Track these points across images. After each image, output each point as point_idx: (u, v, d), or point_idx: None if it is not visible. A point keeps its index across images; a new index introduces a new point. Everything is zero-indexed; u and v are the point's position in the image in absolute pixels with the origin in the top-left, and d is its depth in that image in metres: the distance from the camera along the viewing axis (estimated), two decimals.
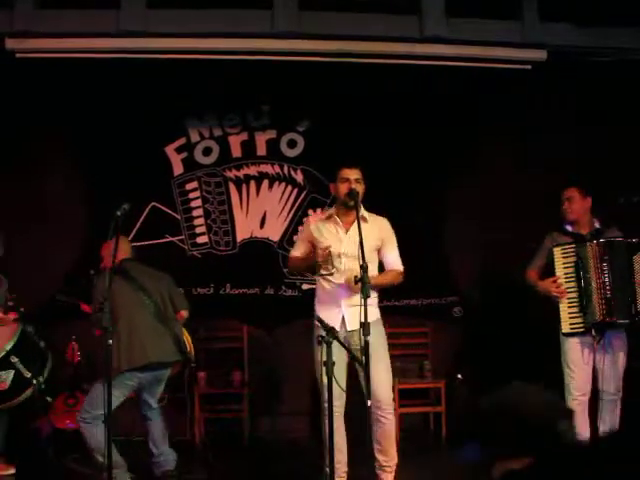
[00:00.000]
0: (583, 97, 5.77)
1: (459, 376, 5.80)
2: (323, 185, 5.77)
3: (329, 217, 4.08)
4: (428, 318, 6.02)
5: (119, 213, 3.85)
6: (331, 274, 3.94)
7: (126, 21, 4.86)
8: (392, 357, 4.05)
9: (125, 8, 4.87)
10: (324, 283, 4.01)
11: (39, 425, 5.24)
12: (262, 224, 6.01)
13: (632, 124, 5.60)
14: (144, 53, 5.01)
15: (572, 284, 4.22)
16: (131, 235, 5.61)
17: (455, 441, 5.29)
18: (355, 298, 3.76)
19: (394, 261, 4.08)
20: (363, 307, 3.44)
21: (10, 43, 4.87)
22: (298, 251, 4.18)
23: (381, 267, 4.13)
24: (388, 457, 3.94)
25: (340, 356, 3.57)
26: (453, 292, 6.07)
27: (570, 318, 4.22)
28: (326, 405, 3.41)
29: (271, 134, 6.03)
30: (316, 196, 5.99)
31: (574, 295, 4.21)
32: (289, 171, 6.04)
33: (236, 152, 6.02)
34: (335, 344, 3.28)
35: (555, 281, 4.24)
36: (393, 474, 3.97)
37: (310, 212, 5.92)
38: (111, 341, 3.74)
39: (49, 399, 4.95)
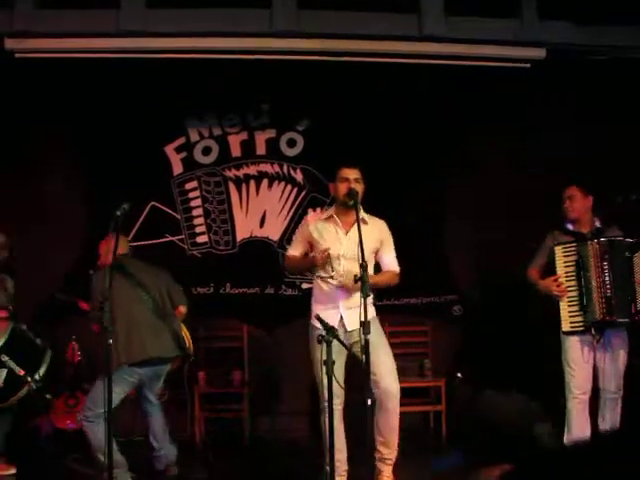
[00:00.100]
0: (582, 96, 5.77)
1: (459, 375, 5.81)
2: (323, 184, 5.77)
3: (329, 217, 4.07)
4: (428, 317, 6.02)
5: (119, 213, 3.86)
6: (331, 277, 3.94)
7: (126, 21, 4.87)
8: (392, 356, 4.06)
9: (125, 8, 4.87)
10: (322, 284, 4.01)
11: (40, 425, 5.25)
12: (262, 223, 6.01)
13: (632, 123, 5.60)
14: (144, 53, 5.01)
15: (573, 283, 4.22)
16: (131, 235, 5.62)
17: (455, 440, 5.29)
18: (353, 299, 3.77)
19: (391, 262, 4.09)
20: (363, 306, 3.43)
21: (10, 43, 4.88)
22: (296, 250, 4.17)
23: (377, 268, 4.13)
24: (390, 449, 3.96)
25: (338, 354, 3.57)
26: (453, 291, 6.07)
27: (570, 317, 4.22)
28: (326, 404, 3.41)
29: (271, 133, 6.03)
30: (316, 195, 5.99)
31: (574, 294, 4.21)
32: (289, 170, 6.04)
33: (236, 151, 6.02)
34: (333, 342, 3.28)
35: (556, 280, 4.25)
36: (392, 467, 3.99)
37: (310, 211, 5.92)
38: (111, 340, 3.75)
39: (49, 396, 4.93)
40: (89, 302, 4.41)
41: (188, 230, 5.96)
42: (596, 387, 4.25)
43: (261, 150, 6.04)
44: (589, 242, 4.20)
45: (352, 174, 3.98)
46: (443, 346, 5.93)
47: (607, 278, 4.13)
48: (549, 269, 4.34)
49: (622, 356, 4.23)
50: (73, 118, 5.69)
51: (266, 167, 6.04)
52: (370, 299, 3.93)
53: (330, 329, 3.36)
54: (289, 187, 6.04)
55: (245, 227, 6.00)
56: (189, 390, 5.33)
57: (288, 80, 5.54)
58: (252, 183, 6.02)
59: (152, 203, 5.88)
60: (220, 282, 5.91)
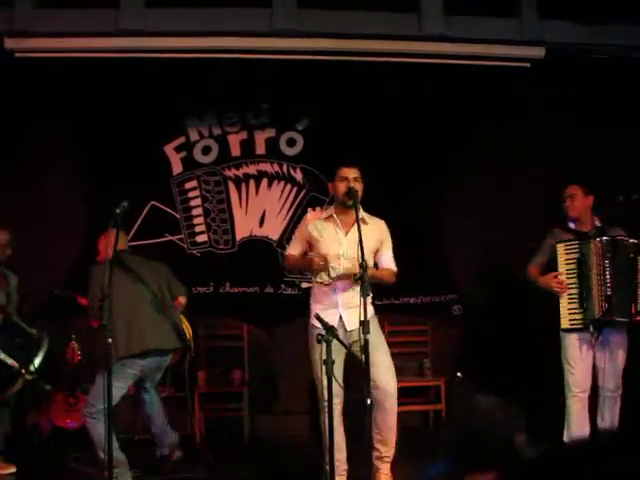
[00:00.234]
0: (583, 96, 5.76)
1: (458, 374, 5.81)
2: (322, 184, 5.77)
3: (328, 217, 4.05)
4: (428, 316, 6.02)
5: (118, 211, 3.86)
6: (329, 284, 3.93)
7: (125, 20, 4.88)
8: (392, 355, 4.06)
9: (124, 7, 4.89)
10: (321, 285, 4.00)
11: (39, 424, 5.25)
12: (261, 223, 6.01)
13: (632, 123, 5.60)
14: (143, 52, 5.02)
15: (573, 280, 4.22)
16: (131, 234, 5.62)
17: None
18: (353, 299, 3.76)
19: (389, 262, 4.09)
20: (362, 306, 3.43)
21: (9, 43, 4.89)
22: (295, 250, 4.16)
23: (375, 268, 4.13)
24: (388, 447, 3.96)
25: (337, 353, 3.57)
26: (452, 290, 6.07)
27: (569, 314, 4.22)
28: (325, 403, 3.41)
29: (270, 133, 6.03)
30: (315, 195, 5.99)
31: (575, 291, 4.21)
32: (288, 170, 6.04)
33: (235, 151, 6.02)
34: (332, 342, 3.29)
35: (557, 276, 4.25)
36: (389, 465, 3.99)
37: (309, 210, 5.92)
38: (110, 340, 3.74)
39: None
40: (87, 296, 4.39)
41: (188, 229, 5.96)
42: (595, 386, 4.26)
43: (261, 149, 6.04)
44: (591, 240, 4.20)
45: (351, 173, 3.97)
46: (443, 346, 5.93)
47: (608, 277, 4.13)
48: (549, 267, 4.34)
49: (621, 355, 4.23)
50: (73, 118, 5.69)
51: (266, 166, 6.04)
52: (369, 298, 3.93)
53: (330, 328, 3.36)
54: (289, 186, 6.04)
55: (245, 226, 6.00)
56: (189, 389, 5.33)
57: (288, 79, 5.54)
58: (252, 182, 6.02)
59: (152, 202, 5.88)
60: (220, 281, 5.91)
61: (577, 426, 4.17)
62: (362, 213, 3.93)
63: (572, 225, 4.38)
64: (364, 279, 3.49)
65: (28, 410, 5.15)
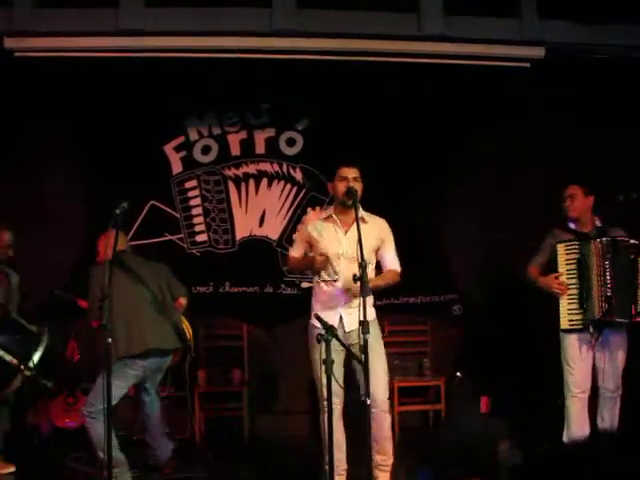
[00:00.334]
0: (583, 96, 5.76)
1: (458, 374, 5.81)
2: (322, 183, 5.77)
3: (328, 217, 4.05)
4: (428, 316, 6.02)
5: (118, 212, 3.86)
6: (335, 280, 3.93)
7: (125, 20, 4.88)
8: (391, 355, 4.06)
9: (123, 7, 4.89)
10: (322, 284, 4.00)
11: (39, 424, 5.25)
12: (261, 222, 6.01)
13: (632, 123, 5.60)
14: (143, 52, 5.02)
15: (573, 281, 4.22)
16: (130, 234, 5.62)
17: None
18: (354, 301, 3.76)
19: (392, 261, 4.07)
20: (362, 306, 3.43)
21: (9, 42, 4.89)
22: (297, 251, 4.15)
23: (378, 267, 4.12)
24: (385, 456, 3.94)
25: (337, 353, 3.57)
26: (452, 290, 6.07)
27: (569, 314, 4.22)
28: (325, 403, 3.41)
29: (270, 132, 6.03)
30: (315, 194, 5.99)
31: (575, 292, 4.21)
32: (288, 169, 6.04)
33: (235, 150, 6.02)
34: (332, 342, 3.28)
35: (557, 277, 4.24)
36: (389, 473, 3.98)
37: (309, 210, 5.92)
38: (110, 340, 3.74)
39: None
40: (87, 297, 4.38)
41: (187, 229, 5.96)
42: (595, 386, 4.26)
43: (260, 149, 6.04)
44: (592, 241, 4.20)
45: (351, 173, 3.97)
46: (442, 345, 5.93)
47: (608, 277, 4.13)
48: (549, 267, 4.34)
49: (621, 355, 4.23)
50: (73, 118, 5.69)
51: (265, 166, 6.04)
52: (370, 300, 3.93)
53: (329, 328, 3.36)
54: (288, 186, 6.04)
55: (244, 226, 6.00)
56: (189, 389, 5.33)
57: (288, 79, 5.54)
58: (251, 182, 6.02)
59: (151, 202, 5.88)
60: (219, 281, 5.91)
61: (577, 426, 4.16)
62: (362, 212, 3.92)
63: (572, 225, 4.38)
64: (363, 279, 3.48)
65: (27, 409, 5.15)
